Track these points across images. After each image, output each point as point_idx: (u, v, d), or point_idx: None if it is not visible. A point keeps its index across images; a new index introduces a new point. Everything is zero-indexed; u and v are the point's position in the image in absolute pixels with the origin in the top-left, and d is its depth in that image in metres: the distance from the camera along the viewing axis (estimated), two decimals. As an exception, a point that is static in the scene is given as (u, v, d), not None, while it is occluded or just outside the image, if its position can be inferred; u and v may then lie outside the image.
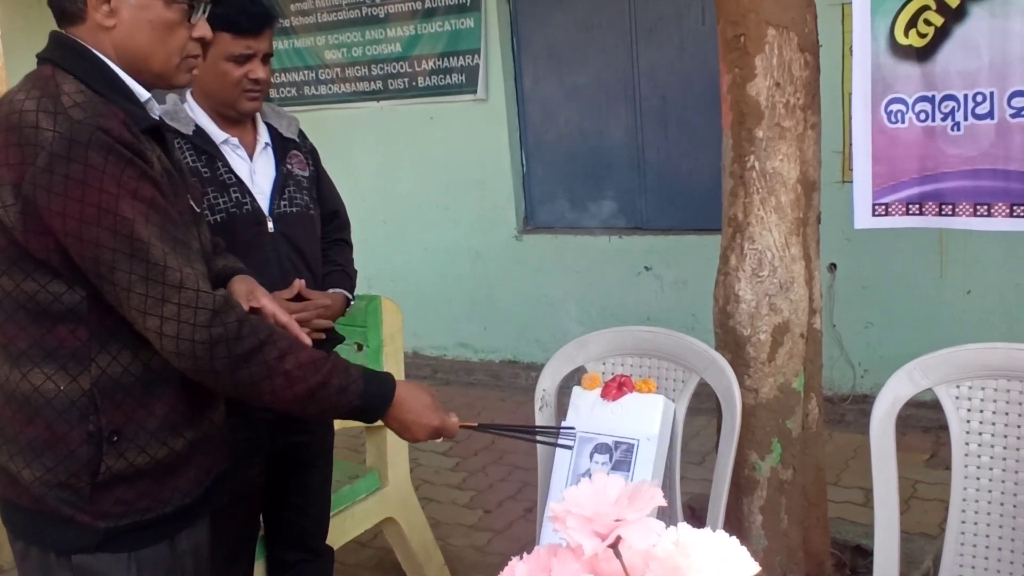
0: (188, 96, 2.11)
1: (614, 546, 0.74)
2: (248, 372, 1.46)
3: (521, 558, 0.78)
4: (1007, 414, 1.78)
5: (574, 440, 1.90)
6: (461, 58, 5.27)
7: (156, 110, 1.55)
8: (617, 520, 0.72)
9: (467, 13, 5.19)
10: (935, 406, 1.99)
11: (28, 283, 1.41)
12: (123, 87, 1.48)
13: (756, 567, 0.72)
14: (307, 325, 2.08)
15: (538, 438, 1.95)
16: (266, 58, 2.07)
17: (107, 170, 1.37)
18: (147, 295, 1.39)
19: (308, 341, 1.62)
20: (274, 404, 1.53)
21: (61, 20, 1.49)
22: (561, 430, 1.92)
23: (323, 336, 2.17)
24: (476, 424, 1.86)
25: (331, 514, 2.49)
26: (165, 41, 1.49)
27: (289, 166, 2.18)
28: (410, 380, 1.76)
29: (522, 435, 1.95)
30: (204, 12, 1.54)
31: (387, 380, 1.66)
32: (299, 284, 2.07)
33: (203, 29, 1.54)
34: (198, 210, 1.64)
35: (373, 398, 1.61)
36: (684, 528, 0.76)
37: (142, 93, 1.51)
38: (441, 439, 1.74)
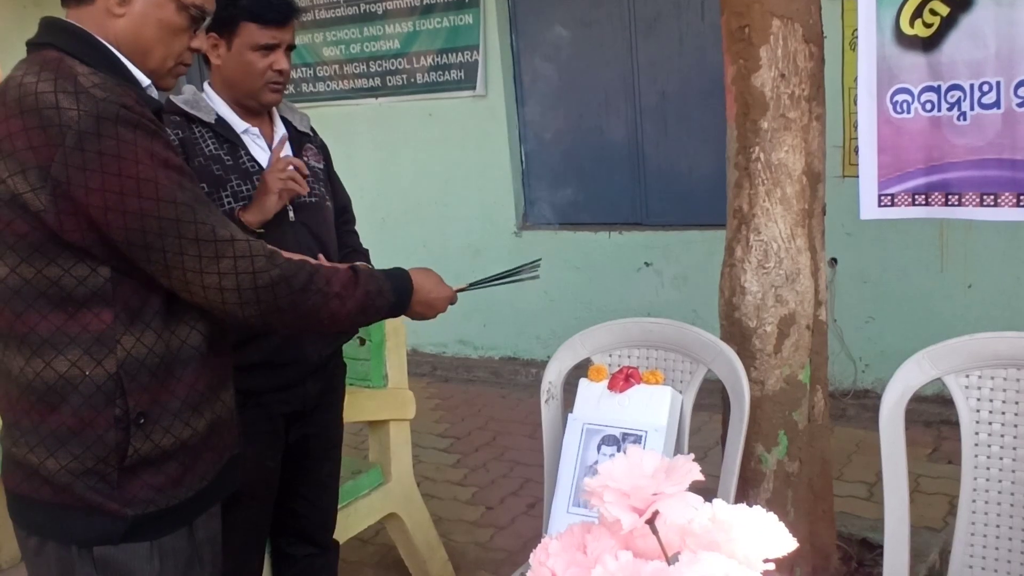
0: (206, 87, 2.11)
1: (650, 522, 0.72)
2: (311, 302, 1.54)
3: (544, 535, 0.76)
4: (1017, 403, 1.77)
5: (538, 268, 2.02)
6: (460, 54, 5.26)
7: (155, 95, 1.55)
8: (654, 494, 0.71)
9: (466, 9, 5.17)
10: (937, 400, 1.99)
11: (51, 268, 1.40)
12: (127, 72, 1.49)
13: (794, 543, 0.71)
14: None
15: (514, 278, 2.05)
16: (289, 49, 2.08)
17: (138, 143, 1.38)
18: (201, 255, 1.43)
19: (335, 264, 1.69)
20: (331, 326, 1.62)
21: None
22: (530, 264, 2.03)
23: None
24: (467, 285, 2.01)
25: (336, 508, 2.48)
26: (168, 42, 1.51)
27: (306, 158, 2.20)
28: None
29: (500, 281, 2.04)
30: (206, 25, 1.57)
31: (401, 271, 1.78)
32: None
33: (201, 42, 1.58)
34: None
35: (401, 291, 1.74)
36: (720, 504, 0.75)
37: (143, 79, 1.52)
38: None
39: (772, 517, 0.74)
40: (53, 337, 1.42)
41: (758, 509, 0.75)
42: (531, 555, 0.75)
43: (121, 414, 1.44)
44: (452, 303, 1.90)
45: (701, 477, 0.72)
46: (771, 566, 0.71)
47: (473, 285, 2.02)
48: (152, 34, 1.49)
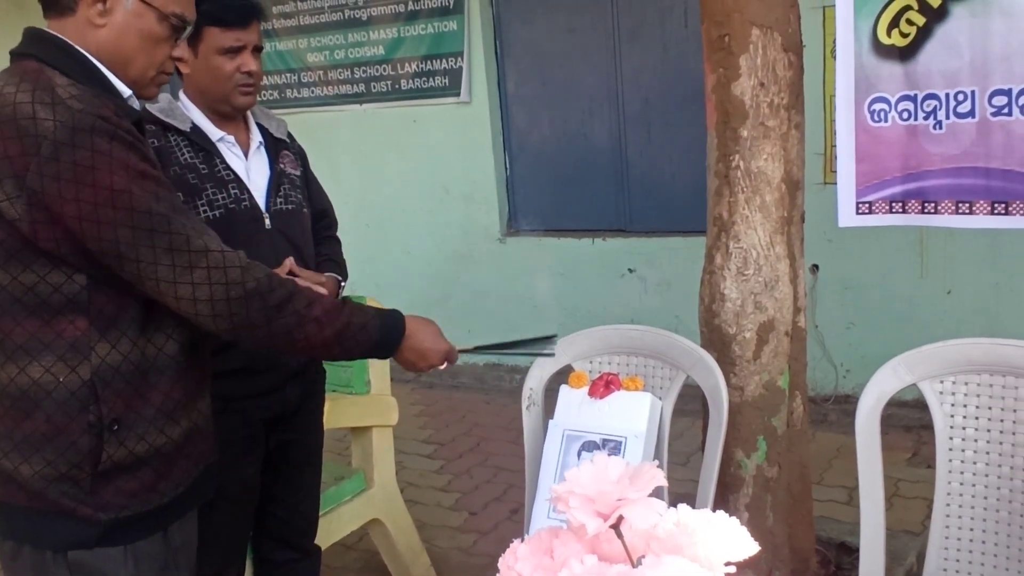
0: (181, 95, 2.11)
1: (616, 526, 0.74)
2: (284, 322, 1.52)
3: (523, 540, 0.78)
4: (990, 408, 1.80)
5: (555, 345, 1.95)
6: (444, 61, 5.27)
7: (136, 106, 1.56)
8: (619, 500, 0.73)
9: (450, 16, 5.19)
10: (916, 405, 2.01)
11: (26, 275, 1.41)
12: (107, 83, 1.49)
13: (756, 547, 0.72)
14: None
15: (526, 351, 1.98)
16: (256, 51, 2.08)
17: (114, 153, 1.39)
18: (174, 264, 1.43)
19: (323, 291, 1.68)
20: (306, 350, 1.61)
21: (49, 8, 1.50)
22: (546, 339, 1.95)
23: None
24: (472, 347, 1.95)
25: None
26: (149, 52, 1.52)
27: (282, 165, 2.20)
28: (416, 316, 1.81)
29: (513, 352, 1.99)
30: (187, 34, 1.59)
31: (397, 313, 1.75)
32: (289, 262, 2.08)
33: (182, 51, 1.61)
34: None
35: (390, 330, 1.71)
36: (684, 509, 0.76)
37: (123, 89, 1.53)
38: (445, 365, 1.84)
39: (734, 521, 0.75)
40: (27, 343, 1.43)
41: (723, 513, 0.77)
42: (500, 559, 0.76)
43: (95, 420, 1.44)
44: (450, 361, 1.84)
45: (665, 483, 0.74)
46: (732, 569, 0.72)
47: (479, 348, 1.95)
48: (133, 44, 1.50)
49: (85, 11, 1.46)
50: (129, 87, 1.54)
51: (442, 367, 1.84)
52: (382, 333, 1.68)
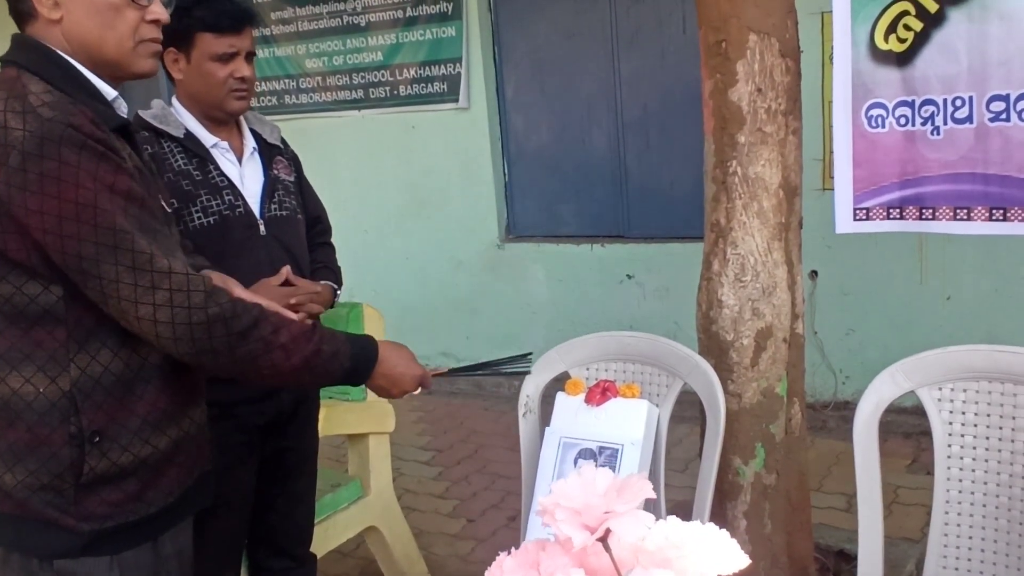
0: (174, 101, 2.11)
1: (603, 539, 0.73)
2: (247, 349, 1.48)
3: (509, 553, 0.77)
4: (989, 416, 1.78)
5: (531, 364, 1.98)
6: (443, 67, 5.27)
7: (123, 108, 1.54)
8: (606, 512, 0.72)
9: (449, 22, 5.19)
10: (916, 411, 2.00)
11: (3, 286, 1.40)
12: (89, 86, 1.47)
13: (746, 560, 0.71)
14: (301, 309, 2.07)
15: (502, 370, 1.99)
16: (249, 56, 2.09)
17: (82, 165, 1.36)
18: (136, 284, 1.39)
19: (293, 316, 1.65)
20: (273, 378, 1.56)
21: (18, 21, 1.48)
22: (520, 357, 1.97)
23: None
24: (446, 369, 1.96)
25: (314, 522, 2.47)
26: (113, 24, 1.46)
27: (276, 171, 2.20)
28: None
29: (488, 372, 1.99)
30: None
31: (369, 340, 1.72)
32: (286, 271, 2.07)
33: (158, 11, 1.51)
34: (168, 211, 1.63)
35: (361, 358, 1.67)
36: (674, 521, 0.75)
37: (109, 92, 1.50)
38: (419, 391, 1.82)
39: (725, 533, 0.74)
40: (7, 353, 1.42)
41: (713, 526, 0.76)
42: (486, 572, 0.75)
43: (76, 432, 1.43)
44: (424, 386, 1.81)
45: (653, 495, 0.73)
46: (722, 582, 0.71)
47: (453, 371, 1.95)
48: (93, 22, 1.45)
49: (40, 10, 1.44)
50: (116, 71, 1.49)
51: (416, 392, 1.81)
52: (354, 361, 1.64)
